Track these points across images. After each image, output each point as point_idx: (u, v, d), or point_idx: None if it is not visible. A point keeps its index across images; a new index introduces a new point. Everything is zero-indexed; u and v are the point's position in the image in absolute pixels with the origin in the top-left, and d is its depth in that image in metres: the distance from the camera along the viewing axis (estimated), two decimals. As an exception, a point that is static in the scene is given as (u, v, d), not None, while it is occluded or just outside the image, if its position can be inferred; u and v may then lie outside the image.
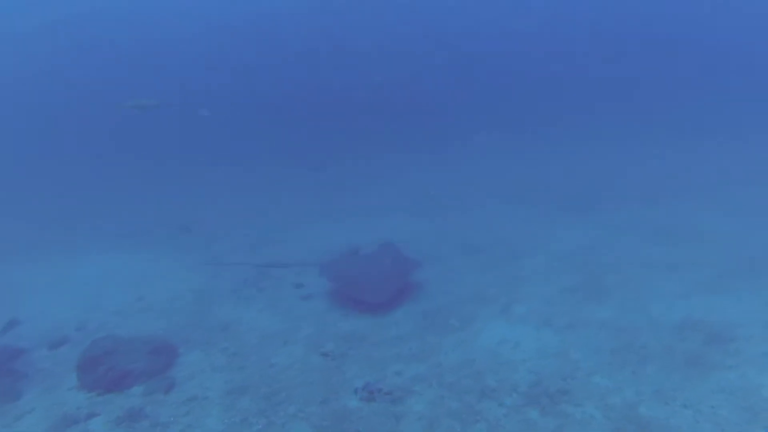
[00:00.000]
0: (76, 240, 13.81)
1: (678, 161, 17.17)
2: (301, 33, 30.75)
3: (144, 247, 12.70)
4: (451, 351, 6.94)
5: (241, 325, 8.18)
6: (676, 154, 17.77)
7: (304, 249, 11.78)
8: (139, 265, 11.31)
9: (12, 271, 11.79)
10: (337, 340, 7.53)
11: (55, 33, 30.14)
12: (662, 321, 7.35)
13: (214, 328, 8.10)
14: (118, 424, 5.91)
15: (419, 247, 10.89)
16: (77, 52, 29.82)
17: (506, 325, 7.53)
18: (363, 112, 25.12)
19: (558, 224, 12.46)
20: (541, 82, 27.28)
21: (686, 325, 7.18)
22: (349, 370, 6.68)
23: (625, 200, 13.78)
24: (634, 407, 5.50)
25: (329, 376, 6.58)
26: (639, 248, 10.56)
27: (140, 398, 6.40)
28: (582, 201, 14.10)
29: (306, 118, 25.86)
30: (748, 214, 12.12)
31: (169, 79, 27.56)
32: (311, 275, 9.68)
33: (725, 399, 5.51)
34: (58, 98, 27.79)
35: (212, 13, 31.76)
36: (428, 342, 7.25)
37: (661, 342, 6.75)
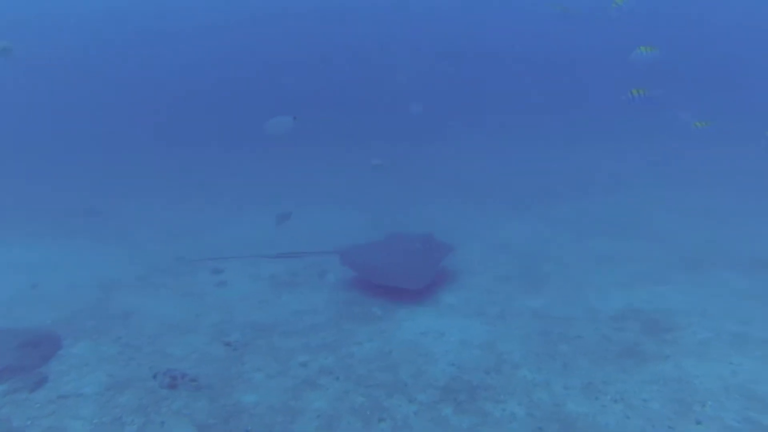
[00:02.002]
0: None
1: (619, 161, 17.11)
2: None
3: (51, 233, 11.60)
4: (368, 341, 6.25)
5: (144, 314, 7.32)
6: (618, 154, 17.72)
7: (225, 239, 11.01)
8: (41, 252, 10.26)
9: None
10: (244, 329, 6.76)
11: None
12: (600, 310, 6.84)
13: (111, 317, 7.22)
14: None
15: (353, 237, 10.23)
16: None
17: (433, 314, 6.89)
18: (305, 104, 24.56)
19: (499, 217, 12.04)
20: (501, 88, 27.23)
21: (624, 314, 6.69)
22: (249, 361, 5.93)
23: (570, 196, 13.51)
24: (561, 403, 4.91)
25: (227, 367, 5.81)
26: (581, 241, 10.16)
27: (-1, 398, 5.49)
28: (526, 196, 13.80)
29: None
30: (688, 211, 11.92)
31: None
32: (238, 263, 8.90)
33: (658, 391, 4.97)
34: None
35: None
36: (344, 331, 6.55)
37: (597, 332, 6.22)
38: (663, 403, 4.79)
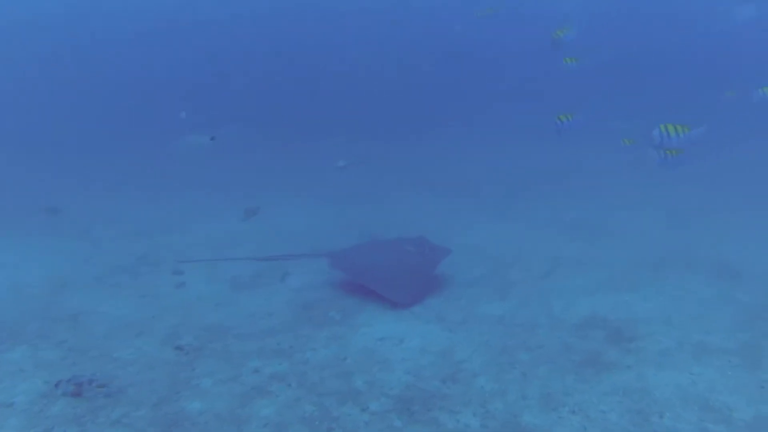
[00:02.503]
0: None
1: (590, 161, 17.12)
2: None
3: (5, 232, 11.18)
4: (323, 347, 6.04)
5: (94, 316, 7.03)
6: (589, 155, 17.70)
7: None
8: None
9: None
10: (199, 332, 6.51)
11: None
12: (564, 318, 6.71)
13: (58, 319, 6.91)
14: None
15: (322, 237, 10.04)
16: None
17: (393, 319, 6.71)
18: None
19: (470, 217, 11.92)
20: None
21: (589, 322, 6.56)
22: (200, 366, 5.69)
23: (541, 197, 13.46)
24: (517, 414, 4.75)
25: (176, 372, 5.57)
26: (551, 244, 10.06)
27: None
28: (500, 196, 13.69)
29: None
30: (659, 213, 11.91)
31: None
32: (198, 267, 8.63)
33: (618, 402, 4.83)
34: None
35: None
36: (301, 336, 6.34)
37: (560, 340, 6.08)
38: (621, 414, 4.66)
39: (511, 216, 12.00)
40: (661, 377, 5.21)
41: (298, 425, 4.64)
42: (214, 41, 30.45)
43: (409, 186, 15.07)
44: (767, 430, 4.42)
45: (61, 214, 11.91)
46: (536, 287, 7.78)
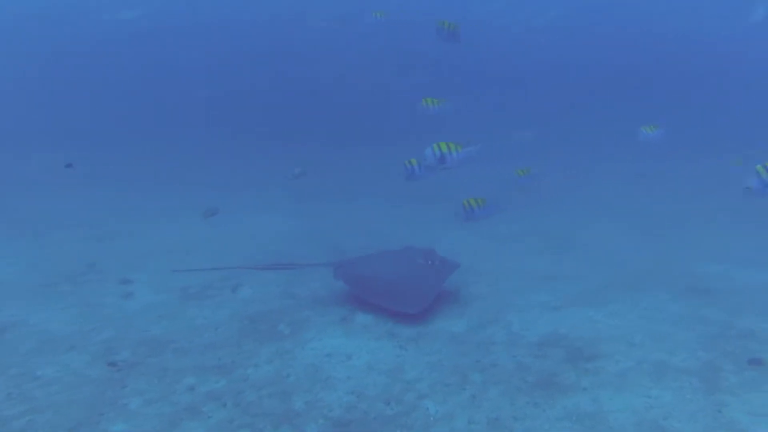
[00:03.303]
0: None
1: (568, 174, 16.97)
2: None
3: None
4: (266, 363, 5.69)
5: (25, 328, 6.60)
6: (567, 166, 17.57)
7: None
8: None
9: None
10: (137, 346, 6.12)
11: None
12: (523, 335, 6.42)
13: (-16, 331, 6.48)
14: None
15: (291, 246, 9.68)
16: None
17: (343, 334, 6.37)
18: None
19: (441, 226, 11.64)
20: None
21: (549, 340, 6.28)
22: (132, 384, 5.30)
23: (516, 210, 13.22)
24: (462, 439, 4.43)
25: (103, 392, 5.17)
26: (522, 258, 9.81)
27: None
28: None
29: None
30: (637, 228, 11.76)
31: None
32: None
33: (568, 429, 4.54)
34: None
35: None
36: (244, 351, 5.97)
37: (515, 360, 5.78)
38: (571, 443, 4.37)
39: (477, 228, 11.70)
40: (616, 401, 4.92)
41: (225, 451, 4.29)
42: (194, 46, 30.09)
43: (370, 194, 14.74)
44: (724, 461, 4.16)
45: (5, 217, 11.41)
46: (498, 302, 7.49)
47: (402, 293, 6.90)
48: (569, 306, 7.36)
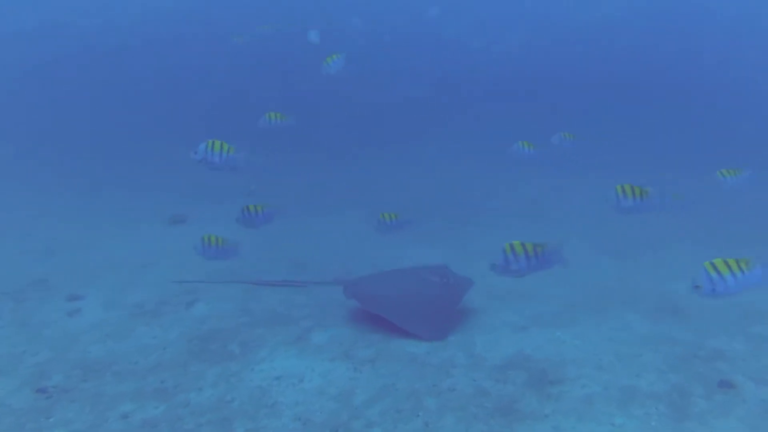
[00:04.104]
0: None
1: (549, 189, 16.75)
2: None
3: None
4: (211, 386, 5.33)
5: (-45, 348, 6.16)
6: (544, 182, 17.37)
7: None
8: None
9: None
10: (73, 369, 5.72)
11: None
12: (485, 357, 6.13)
13: None
14: None
15: (251, 261, 9.30)
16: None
17: (296, 354, 6.02)
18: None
19: (405, 240, 11.30)
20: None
21: (512, 363, 5.99)
22: (59, 413, 4.91)
23: (486, 219, 12.95)
24: (412, 472, 4.11)
25: (24, 423, 4.76)
26: (488, 275, 9.50)
27: None
28: (439, 218, 13.02)
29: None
30: (605, 247, 11.54)
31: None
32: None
33: (525, 461, 4.24)
34: None
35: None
36: (189, 373, 5.61)
37: (474, 384, 5.48)
38: (526, 476, 4.07)
39: (444, 242, 11.40)
40: (579, 430, 4.65)
41: (150, 487, 3.92)
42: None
43: (341, 204, 14.31)
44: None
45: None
46: (461, 321, 7.19)
47: (422, 315, 6.69)
48: (536, 326, 7.09)
